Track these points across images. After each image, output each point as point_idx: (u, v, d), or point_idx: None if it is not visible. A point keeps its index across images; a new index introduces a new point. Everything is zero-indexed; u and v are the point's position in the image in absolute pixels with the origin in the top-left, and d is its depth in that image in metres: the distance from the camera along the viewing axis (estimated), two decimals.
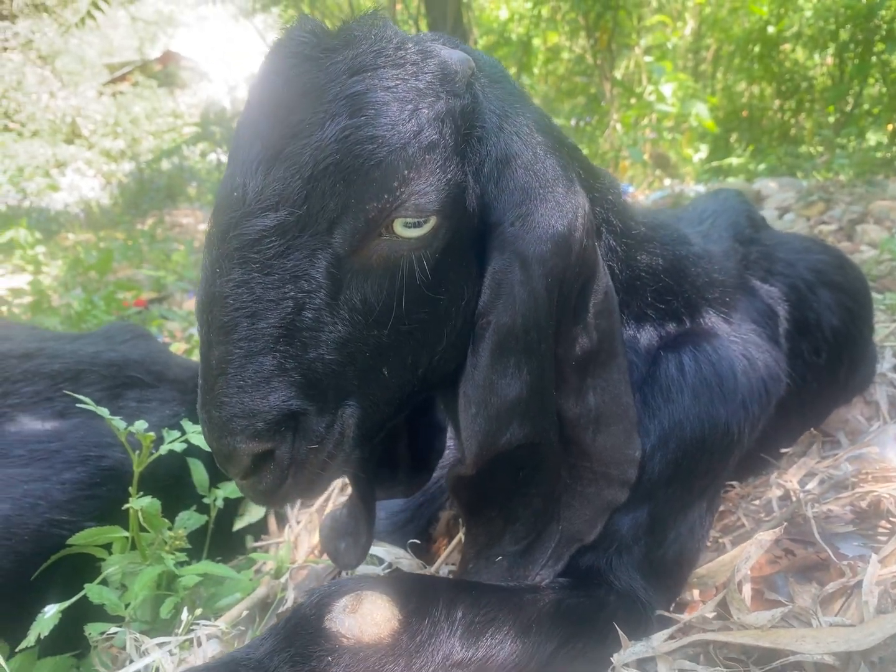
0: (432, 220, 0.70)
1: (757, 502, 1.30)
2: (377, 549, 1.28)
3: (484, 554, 0.97)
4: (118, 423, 1.16)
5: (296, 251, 0.69)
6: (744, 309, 1.12)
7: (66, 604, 1.09)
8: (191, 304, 3.83)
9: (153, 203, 9.37)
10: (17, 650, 1.09)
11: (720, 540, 1.22)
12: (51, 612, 1.08)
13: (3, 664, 1.06)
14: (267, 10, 7.33)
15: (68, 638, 1.13)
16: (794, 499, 1.24)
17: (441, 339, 0.79)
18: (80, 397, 1.15)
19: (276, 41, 0.73)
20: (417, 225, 0.69)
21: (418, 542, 1.28)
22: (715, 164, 6.60)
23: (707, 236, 1.29)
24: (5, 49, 13.48)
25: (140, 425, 1.17)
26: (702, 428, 0.96)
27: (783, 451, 1.34)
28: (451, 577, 1.21)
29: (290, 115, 0.68)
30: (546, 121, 0.84)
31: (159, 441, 1.22)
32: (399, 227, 0.69)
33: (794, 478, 1.30)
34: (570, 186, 0.78)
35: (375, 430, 0.83)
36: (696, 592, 1.08)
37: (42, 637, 1.05)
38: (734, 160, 6.62)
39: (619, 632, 0.90)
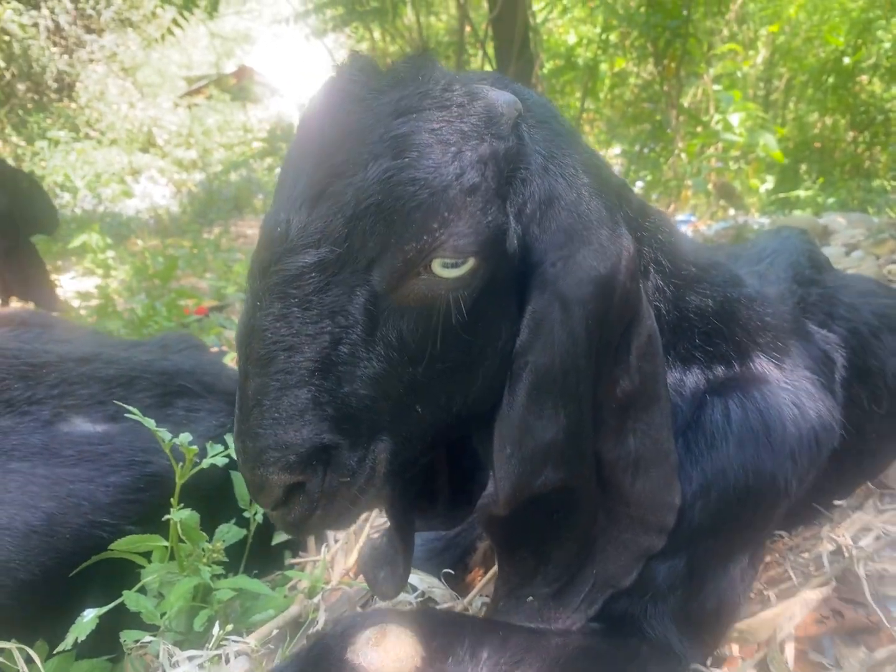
0: (471, 262, 0.70)
1: (806, 555, 1.25)
2: (411, 577, 1.27)
3: (515, 594, 0.95)
4: (164, 433, 1.19)
5: (335, 287, 0.70)
6: (797, 354, 1.08)
7: (105, 609, 1.11)
8: None
9: (220, 213, 9.65)
10: (55, 652, 1.12)
11: (765, 592, 1.17)
12: (89, 617, 1.11)
13: (41, 666, 1.08)
14: (339, 30, 7.50)
15: (104, 640, 1.15)
16: (846, 555, 1.19)
17: (476, 379, 0.79)
18: (128, 407, 1.18)
19: (328, 78, 0.74)
20: (456, 266, 0.70)
21: (452, 572, 1.27)
22: (781, 195, 6.44)
23: (764, 277, 1.26)
24: (91, 61, 14.12)
25: (185, 437, 1.20)
26: (746, 478, 0.93)
27: (837, 502, 1.29)
28: (484, 609, 1.19)
29: (335, 154, 0.69)
30: (594, 160, 0.83)
31: (204, 452, 1.25)
32: (437, 268, 0.70)
33: (847, 532, 1.24)
34: (615, 229, 0.77)
35: (408, 466, 0.83)
36: (735, 647, 1.04)
37: (79, 641, 1.08)
38: (802, 192, 6.44)
39: None
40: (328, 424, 0.72)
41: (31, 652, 1.09)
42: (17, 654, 1.08)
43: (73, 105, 13.84)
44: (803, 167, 8.44)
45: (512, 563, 0.96)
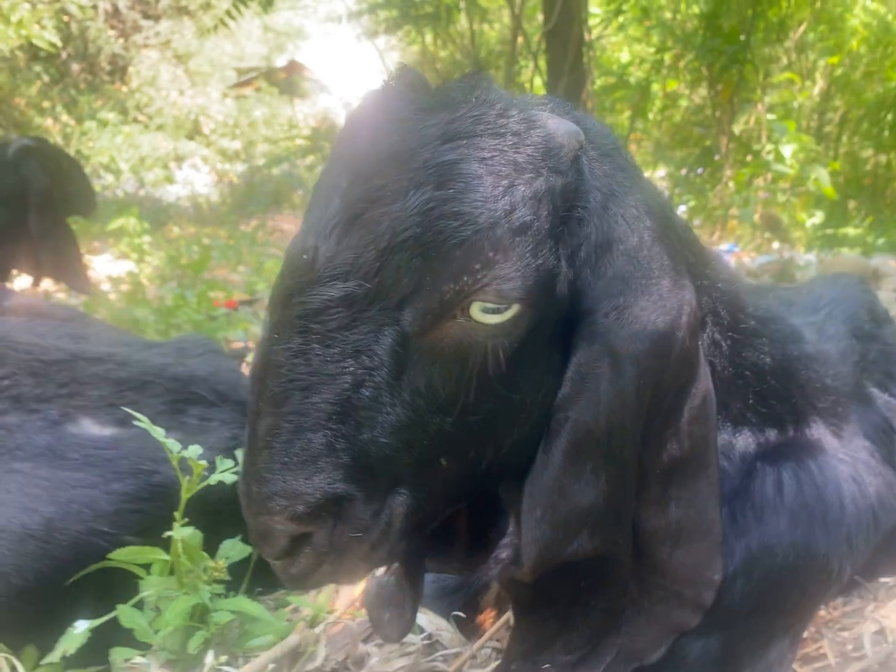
0: (514, 308, 0.63)
1: (846, 634, 1.15)
2: (419, 618, 1.20)
3: (531, 657, 0.88)
4: (173, 444, 1.14)
5: (361, 325, 0.63)
6: (857, 421, 1.00)
7: (97, 622, 1.07)
8: None
9: (259, 206, 9.68)
10: (42, 662, 1.08)
11: (798, 671, 1.08)
12: (80, 629, 1.07)
13: None
14: (391, 33, 7.49)
15: (94, 651, 1.11)
16: (890, 640, 1.09)
17: (511, 433, 0.71)
18: (136, 414, 1.13)
19: (372, 90, 0.67)
20: (497, 311, 0.63)
21: (463, 615, 1.20)
22: (829, 231, 6.26)
23: (822, 330, 1.17)
24: (145, 46, 14.32)
25: (194, 450, 1.14)
26: (796, 558, 0.85)
27: (884, 579, 1.19)
28: (492, 658, 1.12)
29: (373, 177, 0.63)
30: (657, 200, 0.76)
31: (213, 466, 1.19)
32: (476, 312, 0.63)
33: (893, 614, 1.14)
34: (678, 280, 0.69)
35: (427, 522, 0.76)
36: None
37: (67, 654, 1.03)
38: (851, 230, 6.26)
39: None
40: (343, 473, 0.65)
41: (15, 662, 1.05)
42: (2, 662, 1.04)
43: (125, 88, 14.04)
44: (852, 203, 8.23)
45: (531, 623, 0.89)
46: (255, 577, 1.37)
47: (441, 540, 1.00)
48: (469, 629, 1.22)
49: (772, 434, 0.92)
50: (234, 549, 1.28)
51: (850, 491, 0.89)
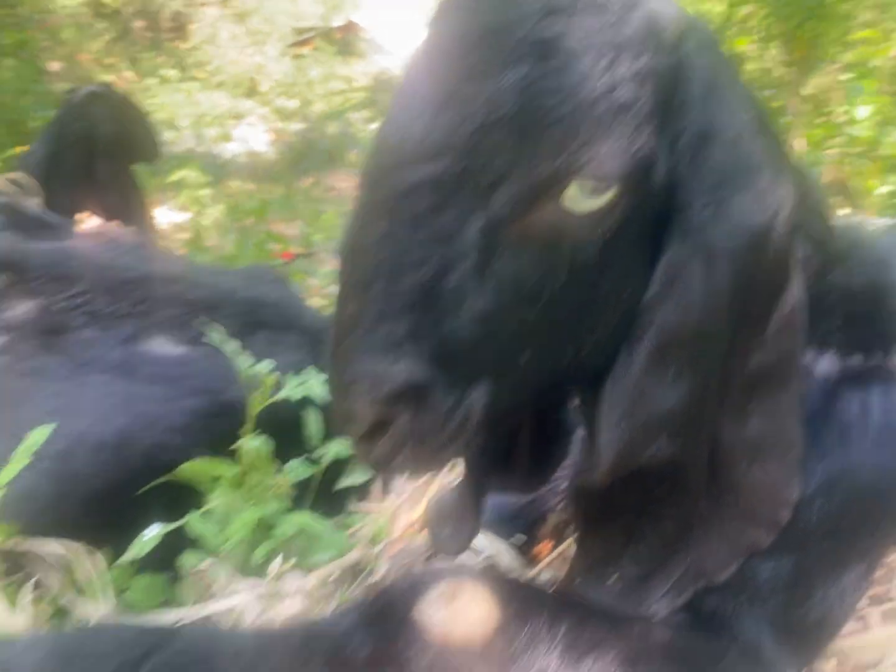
0: (611, 192, 0.61)
1: None
2: (479, 540, 1.21)
3: (597, 570, 0.88)
4: (244, 359, 1.16)
5: (450, 208, 0.61)
6: None
7: (169, 528, 1.10)
8: (334, 264, 3.91)
9: (314, 164, 9.70)
10: (116, 563, 1.12)
11: (865, 609, 1.06)
12: (151, 534, 1.10)
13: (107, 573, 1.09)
14: None
15: (164, 560, 1.15)
16: None
17: (594, 331, 0.70)
18: (210, 331, 1.16)
19: None
20: (593, 195, 0.61)
21: (524, 537, 1.20)
22: None
23: None
24: (205, 4, 14.38)
25: (265, 366, 1.17)
26: (880, 481, 0.82)
27: None
28: (551, 583, 1.13)
29: (468, 54, 0.61)
30: (754, 98, 0.73)
31: (281, 386, 1.22)
32: (572, 196, 0.61)
33: None
34: (777, 176, 0.66)
35: (504, 418, 0.75)
36: (833, 663, 0.95)
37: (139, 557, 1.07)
38: None
39: None
40: (425, 361, 0.64)
41: (95, 557, 1.09)
42: (84, 557, 1.08)
43: (185, 46, 14.16)
44: None
45: (597, 536, 0.89)
46: (320, 500, 1.40)
47: (503, 461, 1.01)
48: (526, 559, 1.23)
49: (858, 359, 0.89)
50: (299, 468, 1.32)
51: None
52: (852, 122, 5.08)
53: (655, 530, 0.84)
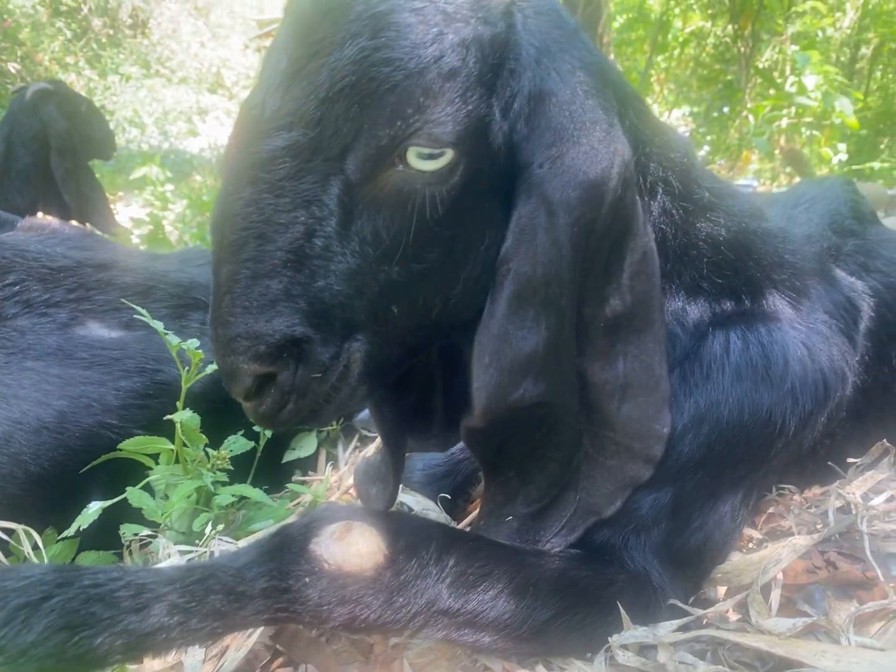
0: (448, 154, 0.67)
1: (813, 510, 1.20)
2: (407, 498, 1.27)
3: (497, 513, 0.95)
4: (172, 337, 1.21)
5: (308, 175, 0.67)
6: (817, 297, 1.03)
7: (110, 502, 1.15)
8: None
9: None
10: (59, 538, 1.17)
11: (765, 544, 1.14)
12: (94, 508, 1.15)
13: (44, 551, 1.13)
14: None
15: (108, 536, 1.20)
16: (853, 512, 1.14)
17: (457, 283, 0.76)
18: (139, 309, 1.20)
19: None
20: (432, 157, 0.67)
21: (449, 496, 1.26)
22: (855, 167, 6.06)
23: (793, 219, 1.19)
24: None
25: (192, 343, 1.21)
26: (740, 412, 0.89)
27: (851, 460, 1.23)
28: None
29: (313, 32, 0.67)
30: (599, 62, 0.78)
31: (211, 361, 1.26)
32: (413, 158, 0.67)
33: (857, 490, 1.19)
34: (610, 132, 0.72)
35: (386, 370, 0.81)
36: (721, 590, 1.02)
37: (82, 529, 1.12)
38: (877, 164, 6.06)
39: (623, 612, 0.86)
40: (300, 317, 0.70)
41: (36, 537, 1.14)
42: (24, 537, 1.13)
43: (146, 42, 13.98)
44: (885, 140, 7.93)
45: (497, 482, 0.95)
46: (261, 477, 1.45)
47: (420, 418, 1.07)
48: (458, 515, 1.28)
49: (727, 304, 0.95)
50: (236, 442, 1.37)
51: (798, 353, 0.93)
52: (801, 91, 5.17)
53: (543, 472, 0.89)
